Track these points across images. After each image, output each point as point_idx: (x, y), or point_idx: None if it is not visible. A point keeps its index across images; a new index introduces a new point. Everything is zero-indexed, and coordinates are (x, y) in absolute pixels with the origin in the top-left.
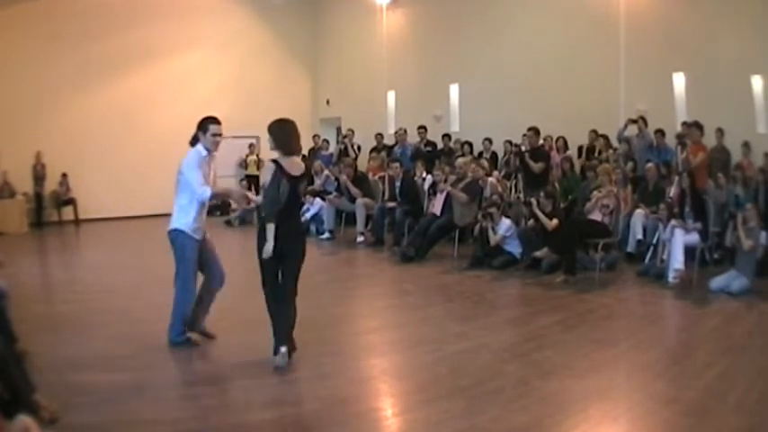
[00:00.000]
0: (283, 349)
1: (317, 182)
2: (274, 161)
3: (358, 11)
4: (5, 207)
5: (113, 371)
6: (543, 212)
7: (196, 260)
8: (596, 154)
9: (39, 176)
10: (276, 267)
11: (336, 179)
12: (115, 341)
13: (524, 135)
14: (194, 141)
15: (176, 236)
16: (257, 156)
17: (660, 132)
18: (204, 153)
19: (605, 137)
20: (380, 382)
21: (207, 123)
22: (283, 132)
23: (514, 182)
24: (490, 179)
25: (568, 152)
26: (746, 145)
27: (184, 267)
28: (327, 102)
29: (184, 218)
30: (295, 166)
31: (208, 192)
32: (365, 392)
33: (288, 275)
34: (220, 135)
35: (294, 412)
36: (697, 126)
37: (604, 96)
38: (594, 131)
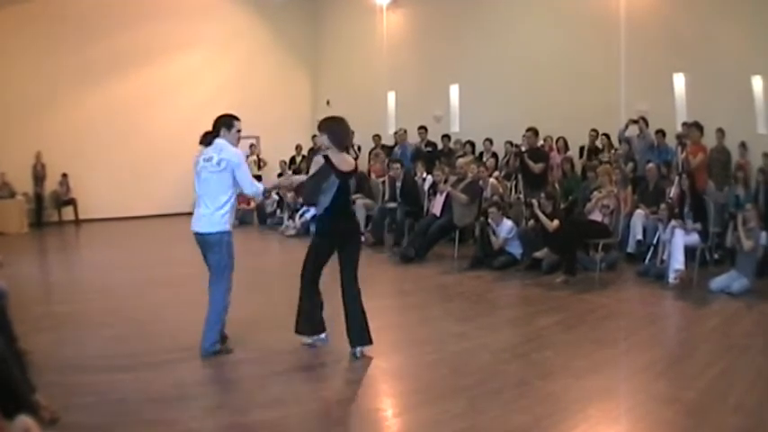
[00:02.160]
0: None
1: None
2: (324, 156)
3: (358, 11)
4: (5, 207)
5: (113, 371)
6: (544, 213)
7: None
8: (601, 151)
9: (39, 176)
10: (324, 260)
11: None
12: (115, 341)
13: (523, 135)
14: (210, 139)
15: (222, 237)
16: (258, 156)
17: (661, 133)
18: None
19: (607, 135)
20: (381, 383)
21: (232, 120)
22: (341, 128)
23: (514, 182)
24: (491, 180)
25: (569, 153)
26: (743, 145)
27: (229, 270)
28: (327, 102)
29: (227, 217)
30: (345, 162)
31: (261, 187)
32: (365, 393)
33: (347, 266)
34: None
35: (294, 412)
36: (697, 126)
37: (605, 97)
38: (595, 131)
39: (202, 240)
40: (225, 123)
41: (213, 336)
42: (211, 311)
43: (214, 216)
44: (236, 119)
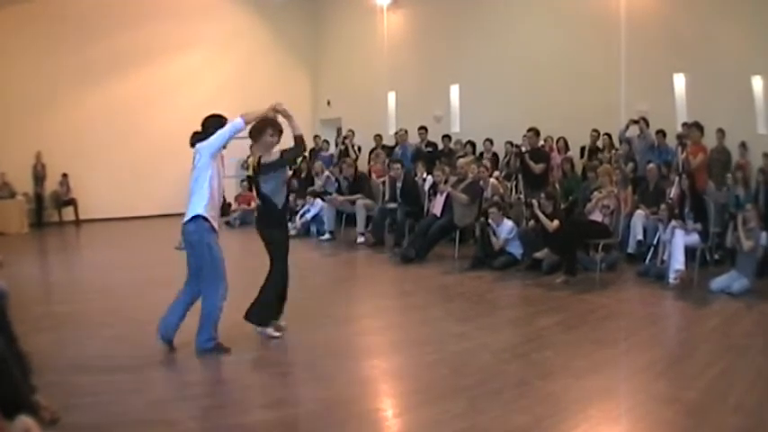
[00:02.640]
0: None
1: (318, 183)
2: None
3: (358, 11)
4: (6, 207)
5: (113, 371)
6: (544, 213)
7: (222, 256)
8: (601, 151)
9: (39, 177)
10: None
11: (337, 180)
12: (115, 341)
13: (524, 136)
14: (198, 139)
15: (197, 228)
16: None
17: (661, 133)
18: None
19: (609, 136)
20: (381, 383)
21: (224, 121)
22: None
23: (515, 182)
24: (491, 180)
25: (569, 153)
26: (743, 145)
27: (213, 264)
28: (328, 102)
29: (201, 202)
30: None
31: (239, 118)
32: (366, 393)
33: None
34: None
35: (294, 413)
36: (697, 127)
37: (605, 97)
38: (597, 131)
39: (185, 233)
40: (220, 124)
41: (207, 332)
42: (204, 308)
43: (191, 205)
44: (227, 119)
